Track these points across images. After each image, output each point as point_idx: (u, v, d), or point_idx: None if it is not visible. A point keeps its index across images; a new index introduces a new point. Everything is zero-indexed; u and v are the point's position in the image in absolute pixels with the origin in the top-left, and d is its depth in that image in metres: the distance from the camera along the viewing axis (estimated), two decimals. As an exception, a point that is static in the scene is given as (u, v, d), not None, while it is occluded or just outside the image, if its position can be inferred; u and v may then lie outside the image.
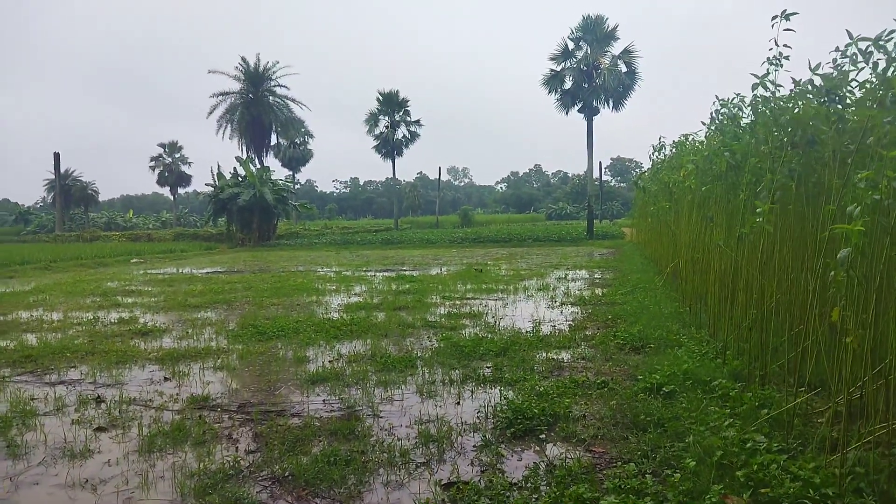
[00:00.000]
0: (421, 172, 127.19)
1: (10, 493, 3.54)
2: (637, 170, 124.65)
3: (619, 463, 3.61)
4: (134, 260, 23.96)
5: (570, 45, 33.50)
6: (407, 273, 15.90)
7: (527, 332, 7.62)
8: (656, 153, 12.01)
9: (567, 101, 33.79)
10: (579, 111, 33.81)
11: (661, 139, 11.68)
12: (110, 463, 3.93)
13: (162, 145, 71.12)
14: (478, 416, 4.60)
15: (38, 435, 4.44)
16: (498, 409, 4.63)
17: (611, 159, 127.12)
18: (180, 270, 18.96)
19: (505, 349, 6.60)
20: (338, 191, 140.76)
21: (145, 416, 4.80)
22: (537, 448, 3.98)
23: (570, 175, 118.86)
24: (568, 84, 33.81)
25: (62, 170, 51.19)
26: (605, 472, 3.53)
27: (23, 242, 39.82)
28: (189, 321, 9.19)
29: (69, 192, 59.27)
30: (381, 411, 4.81)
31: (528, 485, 3.39)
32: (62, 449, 4.16)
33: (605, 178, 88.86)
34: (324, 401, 5.13)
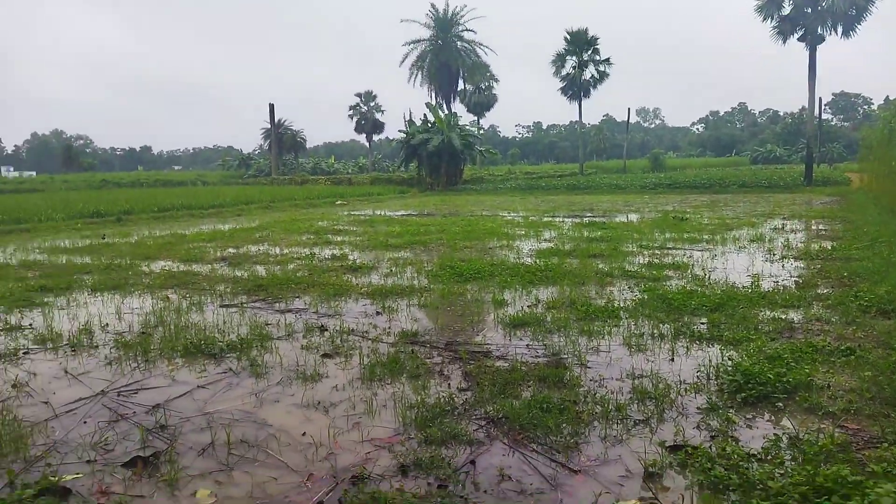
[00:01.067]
0: (607, 115, 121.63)
1: (256, 408, 3.95)
2: (866, 106, 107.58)
3: (884, 444, 3.08)
4: (338, 202, 25.99)
5: (793, -37, 29.17)
6: (597, 220, 15.34)
7: (744, 287, 6.90)
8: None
9: (785, 27, 29.71)
10: (800, 39, 29.63)
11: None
12: (337, 388, 4.23)
13: (359, 95, 75.45)
14: (697, 376, 4.23)
15: (274, 357, 4.93)
16: (721, 369, 4.22)
17: (832, 95, 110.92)
18: (377, 213, 20.17)
19: (720, 305, 6.03)
20: (520, 135, 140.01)
21: (363, 347, 5.11)
22: (773, 417, 3.55)
23: (781, 114, 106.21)
24: (787, 9, 29.68)
25: (276, 119, 56.78)
26: (864, 452, 3.03)
27: (245, 184, 45.14)
28: (392, 260, 9.68)
29: (282, 139, 65.64)
30: (587, 361, 4.63)
31: (769, 457, 3.02)
32: (295, 371, 4.56)
33: (824, 116, 77.88)
34: (527, 345, 5.07)
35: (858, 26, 28.79)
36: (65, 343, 5.36)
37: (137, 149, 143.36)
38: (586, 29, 46.40)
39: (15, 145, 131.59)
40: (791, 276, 7.54)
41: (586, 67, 46.96)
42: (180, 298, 7.10)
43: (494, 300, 6.71)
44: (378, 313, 6.31)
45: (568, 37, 46.77)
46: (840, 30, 28.96)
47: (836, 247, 9.54)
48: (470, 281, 7.79)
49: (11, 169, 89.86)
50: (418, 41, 47.09)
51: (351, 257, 9.97)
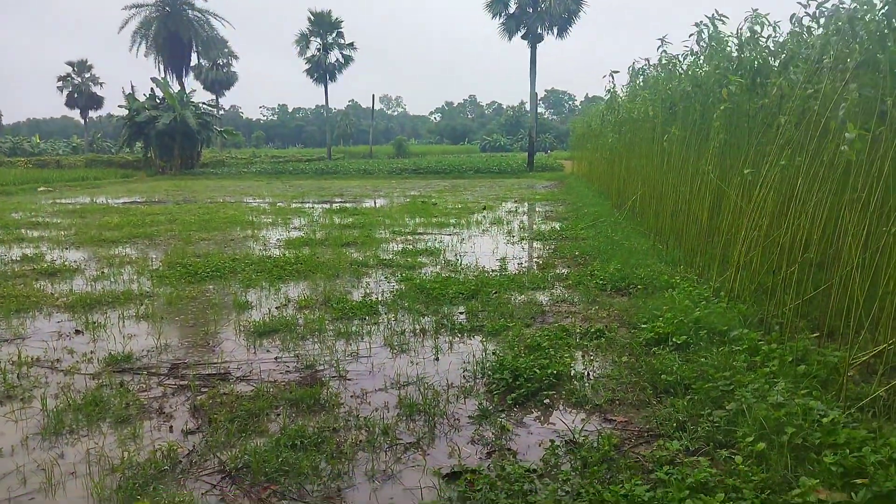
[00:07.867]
0: (353, 100, 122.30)
1: None
2: (571, 102, 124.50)
3: (655, 439, 3.00)
4: (41, 189, 21.68)
5: (517, -36, 31.78)
6: (349, 205, 14.89)
7: (493, 271, 6.94)
8: (610, 81, 11.38)
9: (511, 25, 32.31)
10: (523, 37, 32.47)
11: (610, 73, 11.07)
12: (2, 452, 3.01)
13: (70, 64, 64.75)
14: (464, 376, 3.90)
15: None
16: (487, 365, 3.95)
17: (545, 91, 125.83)
18: (94, 200, 17.19)
19: (475, 291, 5.90)
20: (265, 118, 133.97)
21: (51, 383, 3.85)
22: (544, 417, 3.34)
23: (504, 106, 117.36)
24: (512, 8, 32.30)
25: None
26: (639, 450, 2.92)
27: None
28: (105, 259, 8.01)
29: (-39, 112, 53.46)
30: (347, 371, 4.04)
31: (552, 472, 2.74)
32: (-65, 433, 3.19)
33: (539, 109, 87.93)
34: (276, 358, 4.30)
35: (570, 28, 32.55)
36: None
37: None
38: (330, 11, 45.66)
39: None
40: (532, 258, 7.85)
41: (331, 50, 46.28)
42: None
43: (236, 303, 5.76)
44: (78, 332, 4.95)
45: (312, 17, 45.53)
46: (556, 31, 32.44)
47: (564, 227, 10.31)
48: (206, 280, 6.69)
49: None
50: (141, 5, 41.55)
51: (49, 257, 8.03)
